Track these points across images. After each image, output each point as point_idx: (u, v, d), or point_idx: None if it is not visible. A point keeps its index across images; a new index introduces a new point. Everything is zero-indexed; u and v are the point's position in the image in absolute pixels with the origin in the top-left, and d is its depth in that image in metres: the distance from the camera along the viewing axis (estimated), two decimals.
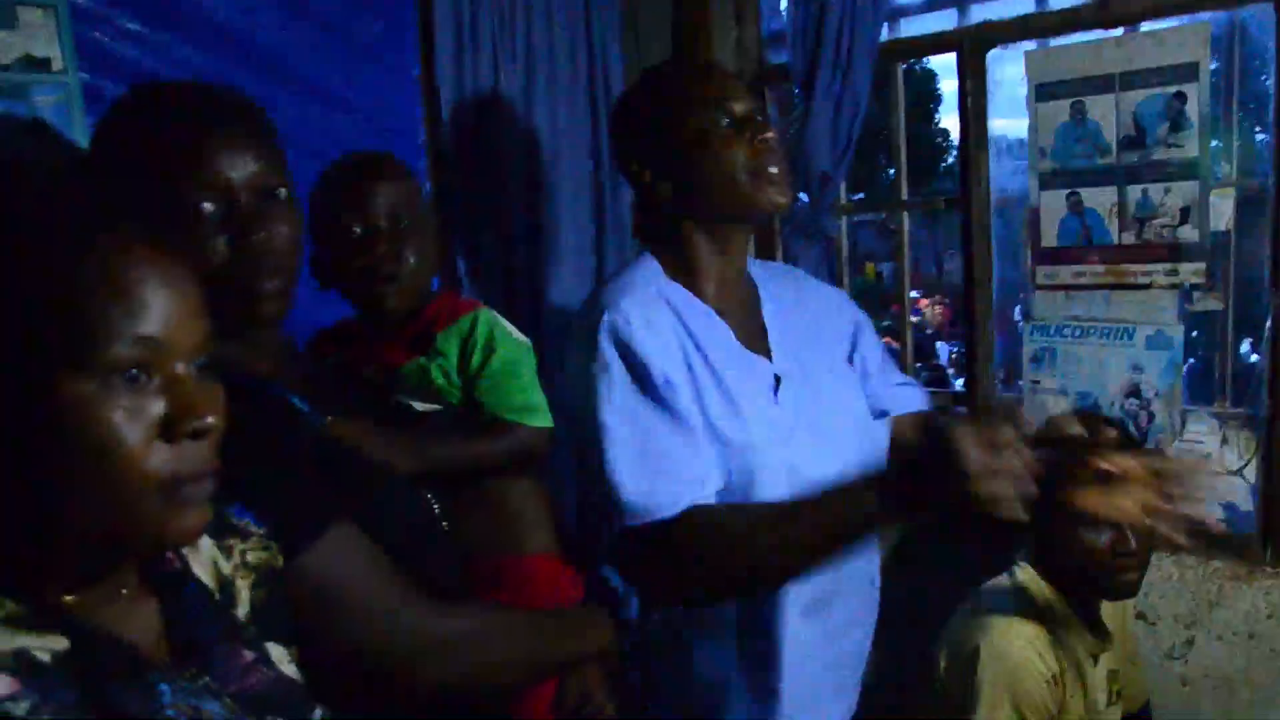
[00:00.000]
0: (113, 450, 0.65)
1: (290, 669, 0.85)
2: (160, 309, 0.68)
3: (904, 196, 2.69)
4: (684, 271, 1.48)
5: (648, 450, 1.33)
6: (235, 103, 1.07)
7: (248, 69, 1.81)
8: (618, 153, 1.56)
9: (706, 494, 1.33)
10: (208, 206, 1.00)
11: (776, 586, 1.38)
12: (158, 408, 0.68)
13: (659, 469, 1.32)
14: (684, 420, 1.36)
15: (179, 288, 0.69)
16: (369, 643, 0.99)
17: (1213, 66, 2.05)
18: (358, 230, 1.45)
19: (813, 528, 1.19)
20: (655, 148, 1.46)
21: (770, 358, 1.50)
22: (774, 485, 1.39)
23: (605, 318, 1.37)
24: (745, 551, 1.26)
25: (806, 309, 1.61)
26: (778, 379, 1.48)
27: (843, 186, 2.55)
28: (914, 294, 2.90)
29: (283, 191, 1.06)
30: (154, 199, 0.89)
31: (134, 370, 0.66)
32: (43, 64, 1.49)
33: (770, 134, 1.45)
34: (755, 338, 1.52)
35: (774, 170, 1.45)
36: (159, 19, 1.68)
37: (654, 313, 1.40)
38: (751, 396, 1.44)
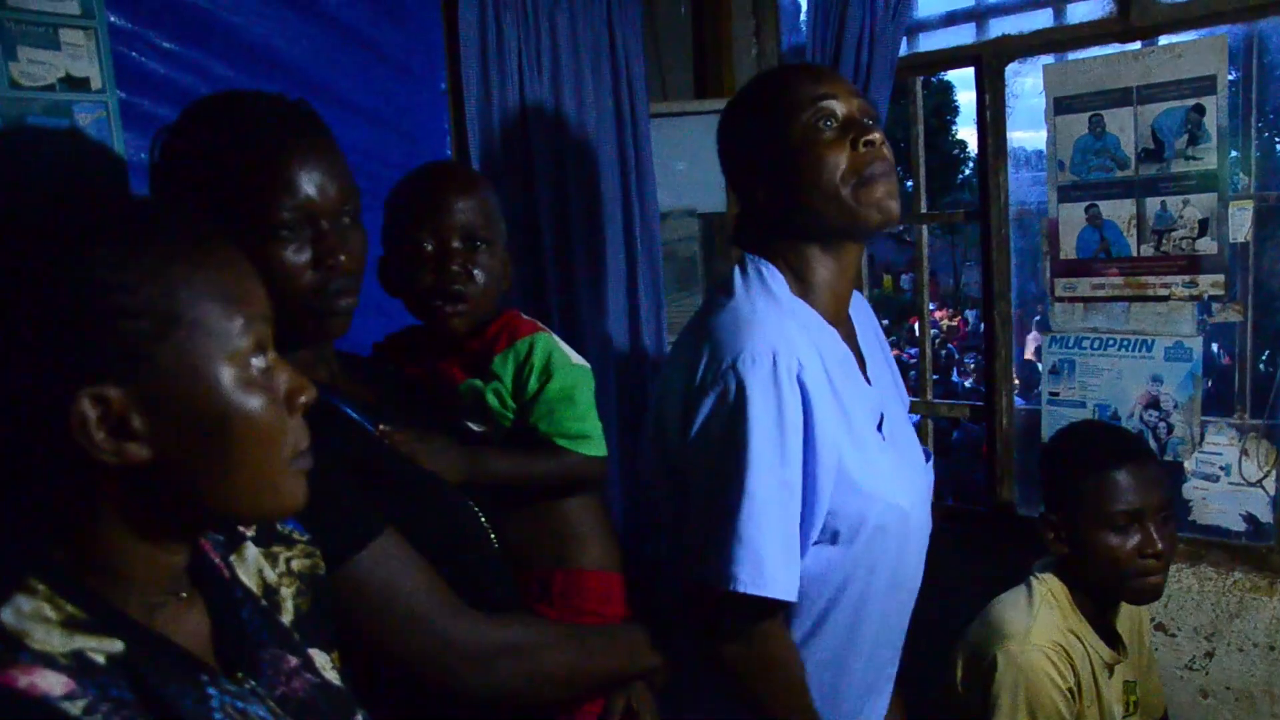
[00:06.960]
0: (267, 424, 0.73)
1: (333, 675, 0.87)
2: (261, 298, 0.76)
3: (923, 209, 2.71)
4: (799, 286, 1.36)
5: (789, 528, 1.25)
6: (315, 123, 1.11)
7: (277, 84, 1.82)
8: (722, 160, 1.44)
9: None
10: (294, 227, 1.06)
11: None
12: (283, 385, 0.76)
13: (791, 552, 1.26)
14: (806, 494, 1.28)
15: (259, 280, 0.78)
16: (410, 649, 1.02)
17: (1230, 78, 2.06)
18: (430, 246, 1.39)
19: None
20: (755, 152, 1.35)
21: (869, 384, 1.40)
22: (883, 531, 1.32)
23: (781, 359, 1.23)
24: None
25: (869, 320, 1.52)
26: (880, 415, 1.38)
27: None
28: (930, 306, 2.90)
29: (352, 213, 1.11)
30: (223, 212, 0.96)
31: (259, 353, 0.74)
32: (82, 83, 1.52)
33: (876, 136, 1.30)
34: (860, 364, 1.41)
35: (879, 179, 1.30)
36: (192, 37, 1.71)
37: (806, 346, 1.27)
38: (871, 435, 1.34)
